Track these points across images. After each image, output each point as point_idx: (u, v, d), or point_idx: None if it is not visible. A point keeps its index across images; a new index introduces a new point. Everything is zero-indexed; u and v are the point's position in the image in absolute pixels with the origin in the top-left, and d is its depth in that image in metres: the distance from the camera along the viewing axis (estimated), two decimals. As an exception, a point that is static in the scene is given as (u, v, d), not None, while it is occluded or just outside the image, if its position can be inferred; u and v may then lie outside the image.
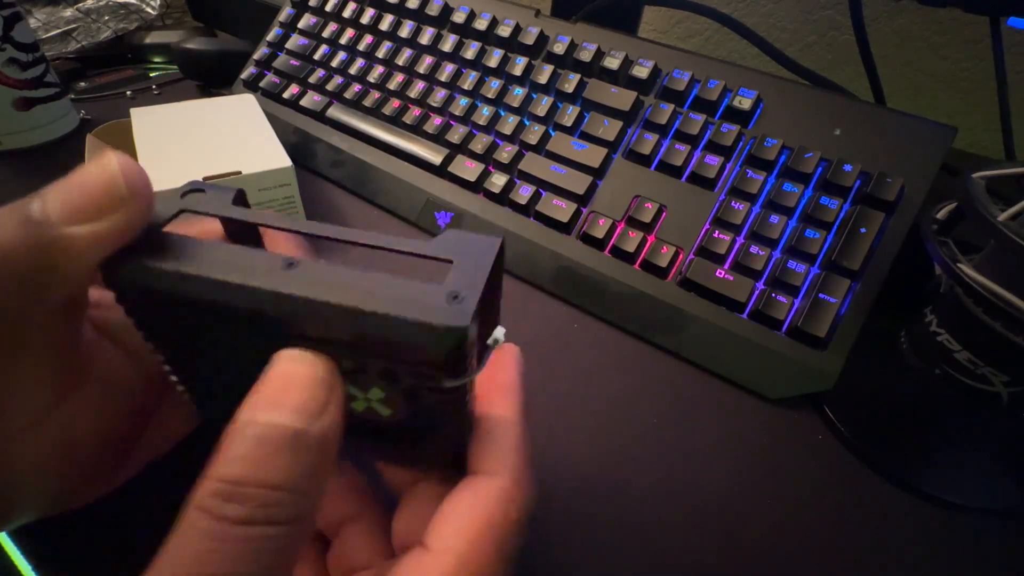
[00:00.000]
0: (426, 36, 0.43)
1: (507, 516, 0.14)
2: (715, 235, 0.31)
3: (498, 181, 0.37)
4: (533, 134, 0.37)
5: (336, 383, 0.13)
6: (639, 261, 0.32)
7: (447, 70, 0.41)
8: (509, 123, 0.38)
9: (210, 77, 0.54)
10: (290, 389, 0.12)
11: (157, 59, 0.60)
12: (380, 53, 0.44)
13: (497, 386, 0.17)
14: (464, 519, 0.14)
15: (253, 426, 0.12)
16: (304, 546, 0.13)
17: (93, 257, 0.13)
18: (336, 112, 0.43)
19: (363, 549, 0.17)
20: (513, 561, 0.14)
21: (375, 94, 0.43)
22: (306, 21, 0.48)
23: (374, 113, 0.42)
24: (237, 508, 0.11)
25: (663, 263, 0.31)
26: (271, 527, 0.11)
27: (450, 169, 0.38)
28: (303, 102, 0.45)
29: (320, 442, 0.12)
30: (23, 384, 0.14)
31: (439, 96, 0.41)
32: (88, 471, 0.17)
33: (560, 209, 0.34)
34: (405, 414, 0.14)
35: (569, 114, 0.37)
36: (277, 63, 0.48)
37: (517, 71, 0.39)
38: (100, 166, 0.13)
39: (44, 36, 0.55)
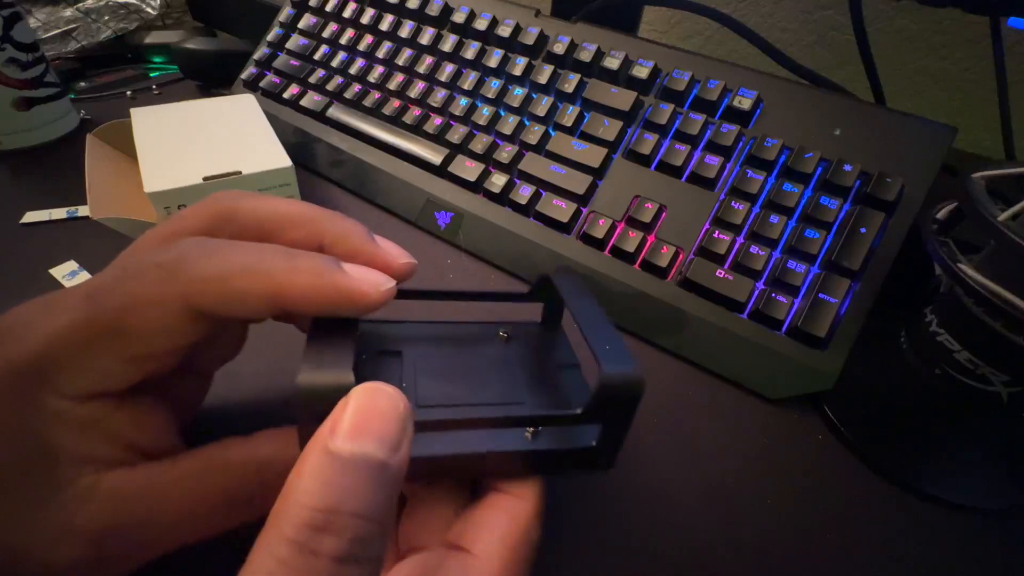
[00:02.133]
0: (426, 36, 0.43)
1: (533, 534, 0.17)
2: (715, 235, 0.31)
3: (498, 181, 0.37)
4: (533, 134, 0.37)
5: (410, 419, 0.14)
6: (639, 261, 0.32)
7: (447, 70, 0.41)
8: (509, 123, 0.38)
9: (210, 77, 0.54)
10: (373, 420, 0.13)
11: (157, 59, 0.60)
12: (380, 53, 0.44)
13: None
14: (503, 532, 0.16)
15: (340, 454, 0.12)
16: None
17: None
18: (336, 112, 0.43)
19: None
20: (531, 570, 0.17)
21: (375, 94, 0.43)
22: (306, 21, 0.48)
23: (374, 113, 0.42)
24: (334, 542, 0.11)
25: (663, 263, 0.31)
26: (364, 566, 0.11)
27: (450, 169, 0.38)
28: (303, 102, 0.45)
29: (397, 475, 0.13)
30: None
31: (439, 96, 0.41)
32: None
33: (560, 209, 0.34)
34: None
35: (569, 114, 0.37)
36: (277, 63, 0.48)
37: (517, 71, 0.39)
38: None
39: (44, 36, 0.55)
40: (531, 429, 0.18)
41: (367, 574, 0.12)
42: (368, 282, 0.16)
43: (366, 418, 0.13)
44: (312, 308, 0.15)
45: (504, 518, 0.16)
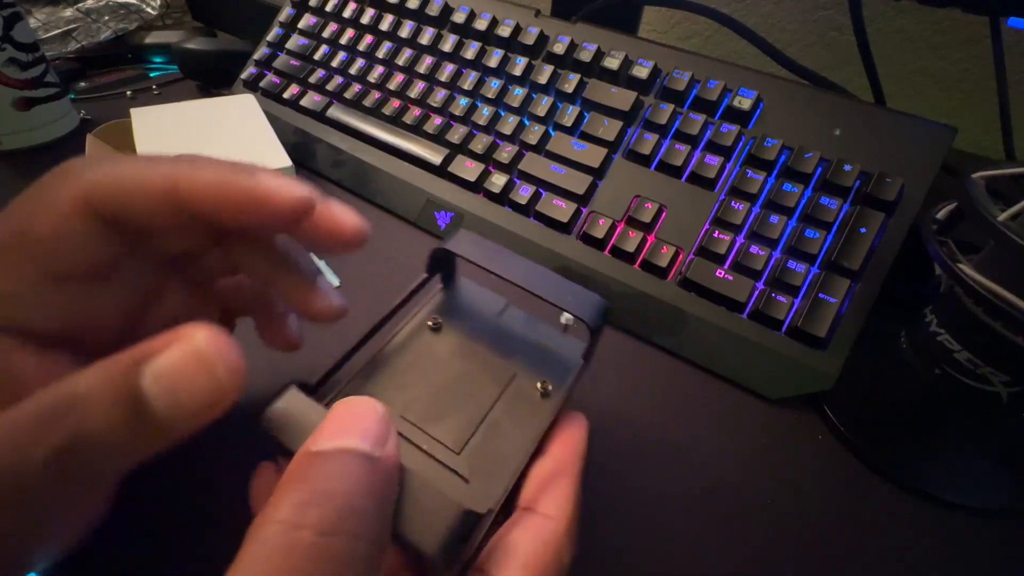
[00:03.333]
0: (426, 36, 0.43)
1: (564, 555, 0.16)
2: (715, 235, 0.31)
3: (498, 181, 0.37)
4: (533, 134, 0.37)
5: (392, 422, 0.14)
6: (639, 261, 0.32)
7: (447, 70, 0.41)
8: (509, 123, 0.38)
9: (210, 77, 0.54)
10: (351, 422, 0.13)
11: (157, 59, 0.60)
12: (380, 53, 0.44)
13: (565, 441, 0.18)
14: (529, 554, 0.15)
15: (322, 451, 0.12)
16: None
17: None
18: (336, 112, 0.43)
19: None
20: None
21: (375, 94, 0.43)
22: (306, 21, 0.48)
23: (374, 113, 0.42)
24: (317, 512, 0.11)
25: (663, 263, 0.31)
26: (353, 542, 0.11)
27: (450, 169, 0.38)
28: (303, 102, 0.45)
29: (388, 471, 0.13)
30: None
31: (439, 96, 0.41)
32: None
33: (560, 209, 0.34)
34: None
35: (569, 114, 0.37)
36: (277, 63, 0.48)
37: (517, 71, 0.39)
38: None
39: (44, 36, 0.55)
40: (540, 388, 0.19)
41: (357, 552, 0.11)
42: (280, 186, 0.15)
43: (344, 422, 0.13)
44: (218, 211, 0.15)
45: (530, 541, 0.16)
